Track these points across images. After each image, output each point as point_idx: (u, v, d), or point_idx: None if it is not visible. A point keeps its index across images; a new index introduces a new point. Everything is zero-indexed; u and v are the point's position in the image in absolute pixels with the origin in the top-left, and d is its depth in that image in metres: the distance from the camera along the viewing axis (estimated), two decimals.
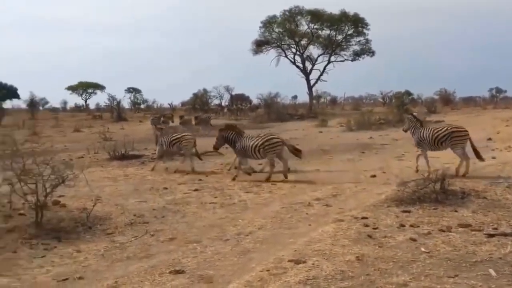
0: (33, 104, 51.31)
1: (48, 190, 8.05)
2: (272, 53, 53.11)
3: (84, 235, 7.65)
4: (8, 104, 55.11)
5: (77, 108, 61.10)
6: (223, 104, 62.48)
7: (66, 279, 5.74)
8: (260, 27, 52.40)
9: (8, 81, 58.47)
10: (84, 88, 68.74)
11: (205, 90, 66.15)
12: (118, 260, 6.43)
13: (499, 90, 68.29)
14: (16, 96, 56.56)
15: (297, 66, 53.02)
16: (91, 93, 69.54)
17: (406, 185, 9.01)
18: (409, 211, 8.06)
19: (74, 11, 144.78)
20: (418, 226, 7.19)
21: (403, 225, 7.27)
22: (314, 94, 54.50)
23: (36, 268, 6.19)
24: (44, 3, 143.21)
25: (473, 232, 6.77)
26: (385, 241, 6.58)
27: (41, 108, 55.98)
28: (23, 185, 8.09)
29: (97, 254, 6.67)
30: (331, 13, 50.72)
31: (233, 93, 66.80)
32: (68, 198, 9.83)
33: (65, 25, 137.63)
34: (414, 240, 6.55)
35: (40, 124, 35.50)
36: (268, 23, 51.87)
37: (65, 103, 62.54)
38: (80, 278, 5.76)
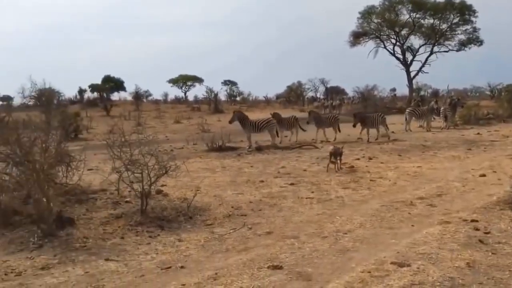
0: (138, 96, 54.24)
1: (152, 180, 8.38)
2: (370, 44, 51.77)
3: (185, 224, 7.88)
4: (115, 96, 58.93)
5: (177, 100, 63.54)
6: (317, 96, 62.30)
7: (169, 267, 5.92)
8: (358, 18, 51.23)
9: (116, 74, 62.56)
10: (184, 81, 71.42)
11: (299, 83, 66.22)
12: (218, 251, 6.53)
13: None
14: (123, 88, 60.41)
15: (397, 58, 51.31)
16: (190, 85, 72.08)
17: None
18: None
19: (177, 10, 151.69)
20: None
21: None
22: (414, 86, 52.22)
23: (142, 255, 6.46)
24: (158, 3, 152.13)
25: None
26: (499, 248, 6.05)
27: (144, 100, 58.98)
28: (130, 174, 8.51)
29: (197, 245, 6.83)
30: (435, 1, 48.24)
31: (328, 86, 66.22)
32: (169, 188, 10.21)
33: (170, 24, 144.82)
34: None
35: (144, 115, 37.45)
36: (367, 14, 50.51)
37: (166, 95, 65.39)
38: (182, 267, 5.92)
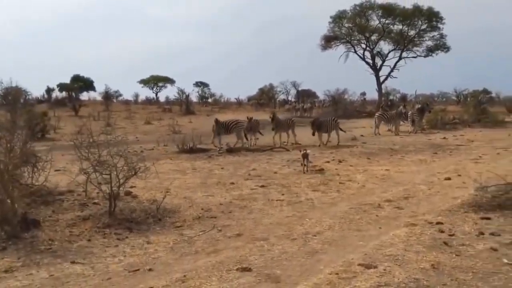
0: (107, 96, 53.27)
1: (121, 181, 8.27)
2: (341, 48, 52.43)
3: (154, 226, 7.80)
4: (84, 95, 57.77)
5: (148, 101, 62.77)
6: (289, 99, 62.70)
7: (137, 270, 5.85)
8: (329, 22, 51.82)
9: (85, 73, 61.39)
10: (155, 81, 70.71)
11: (271, 85, 66.46)
12: (187, 254, 6.49)
13: None
14: (92, 88, 59.34)
15: (367, 62, 52.08)
16: (161, 86, 71.37)
17: (485, 190, 8.48)
18: (488, 218, 7.58)
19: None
20: (499, 235, 6.72)
21: (482, 233, 6.83)
22: (383, 91, 53.10)
23: (109, 257, 6.36)
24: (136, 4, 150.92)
25: None
26: (463, 250, 6.20)
27: (114, 100, 57.93)
28: (98, 175, 8.37)
29: (166, 247, 6.77)
30: (404, 7, 49.28)
31: (300, 89, 66.71)
32: (138, 189, 10.10)
33: (141, 21, 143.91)
34: (495, 250, 6.12)
35: (114, 115, 36.90)
36: (338, 18, 51.15)
37: (137, 96, 64.46)
38: (150, 270, 5.86)
